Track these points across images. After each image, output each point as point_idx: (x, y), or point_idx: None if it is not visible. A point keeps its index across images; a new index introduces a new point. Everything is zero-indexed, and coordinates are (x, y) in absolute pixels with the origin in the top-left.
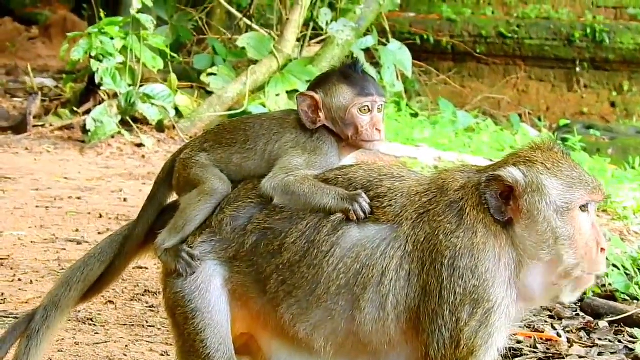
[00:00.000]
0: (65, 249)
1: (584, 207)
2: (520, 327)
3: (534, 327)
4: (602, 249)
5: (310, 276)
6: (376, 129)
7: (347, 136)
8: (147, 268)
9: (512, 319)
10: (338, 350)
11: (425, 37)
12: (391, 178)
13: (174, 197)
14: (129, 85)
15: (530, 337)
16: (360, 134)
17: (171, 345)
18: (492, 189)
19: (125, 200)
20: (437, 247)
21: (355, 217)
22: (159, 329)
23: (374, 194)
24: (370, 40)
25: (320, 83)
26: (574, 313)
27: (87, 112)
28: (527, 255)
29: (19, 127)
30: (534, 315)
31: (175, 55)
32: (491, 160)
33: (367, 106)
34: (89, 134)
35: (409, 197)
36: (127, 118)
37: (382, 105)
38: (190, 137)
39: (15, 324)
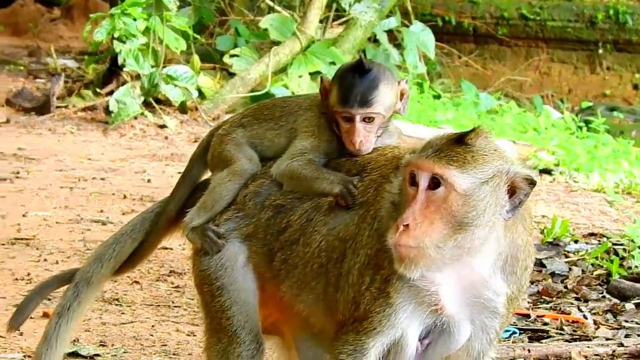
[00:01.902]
0: (90, 230)
1: (412, 178)
2: (546, 309)
3: (561, 309)
4: (400, 225)
5: (304, 255)
6: (351, 140)
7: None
8: (172, 249)
9: (424, 300)
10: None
11: (447, 18)
12: (383, 155)
13: (208, 174)
14: (152, 67)
15: (557, 319)
16: (341, 136)
17: (197, 325)
18: None
19: (149, 181)
20: (373, 206)
21: (343, 203)
22: (185, 309)
23: (366, 174)
24: (393, 22)
25: (335, 72)
26: (601, 295)
27: (110, 93)
28: None
29: (42, 108)
30: (560, 297)
31: (197, 36)
32: (514, 142)
33: (347, 116)
34: (112, 115)
35: (384, 167)
36: (150, 99)
37: (369, 116)
38: (213, 119)
39: (40, 286)
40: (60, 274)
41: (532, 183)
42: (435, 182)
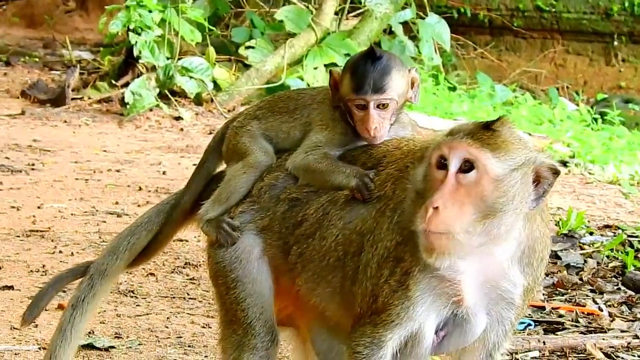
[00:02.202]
0: (105, 222)
1: (441, 163)
2: (561, 301)
3: (576, 301)
4: (429, 207)
5: (320, 248)
6: (366, 128)
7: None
8: (187, 241)
9: (445, 291)
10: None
11: (462, 10)
12: (398, 149)
13: (223, 166)
14: (167, 59)
15: (572, 311)
16: (355, 126)
17: (212, 317)
18: None
19: (164, 173)
20: (392, 200)
21: (360, 197)
22: (200, 301)
23: (382, 168)
24: (408, 14)
25: (345, 63)
26: (616, 287)
27: (126, 85)
28: None
29: (57, 100)
30: (576, 289)
31: (213, 28)
32: (530, 134)
33: (361, 103)
34: (128, 107)
35: (400, 160)
36: (166, 91)
37: (383, 102)
38: (228, 110)
39: (55, 279)
40: (75, 267)
41: (556, 173)
42: (467, 166)
